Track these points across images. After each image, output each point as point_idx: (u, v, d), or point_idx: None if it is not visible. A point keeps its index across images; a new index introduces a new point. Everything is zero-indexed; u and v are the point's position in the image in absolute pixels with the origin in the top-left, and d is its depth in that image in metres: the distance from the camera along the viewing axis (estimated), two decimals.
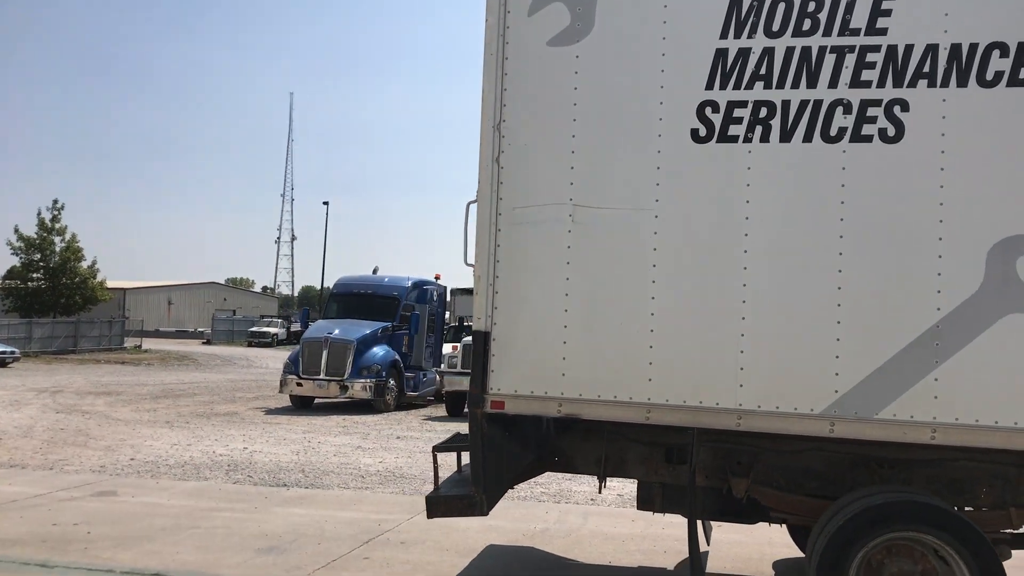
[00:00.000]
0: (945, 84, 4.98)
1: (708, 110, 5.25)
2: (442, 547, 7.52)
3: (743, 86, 5.22)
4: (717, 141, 5.23)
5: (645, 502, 6.19)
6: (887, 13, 5.06)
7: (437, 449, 5.79)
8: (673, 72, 5.31)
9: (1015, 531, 5.57)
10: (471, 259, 5.61)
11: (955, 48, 4.97)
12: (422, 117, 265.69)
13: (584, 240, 5.36)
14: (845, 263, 5.04)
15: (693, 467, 5.38)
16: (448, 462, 6.15)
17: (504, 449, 5.51)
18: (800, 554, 7.29)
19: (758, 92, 5.20)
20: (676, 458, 5.90)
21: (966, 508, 5.54)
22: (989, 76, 4.93)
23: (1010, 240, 4.86)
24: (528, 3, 5.50)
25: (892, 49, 5.04)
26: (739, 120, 5.21)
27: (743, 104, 5.21)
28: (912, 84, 5.01)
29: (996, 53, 4.92)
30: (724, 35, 5.26)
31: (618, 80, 5.38)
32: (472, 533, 7.90)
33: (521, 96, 5.49)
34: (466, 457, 6.26)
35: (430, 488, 5.93)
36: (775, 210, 5.14)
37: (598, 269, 5.34)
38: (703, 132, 5.26)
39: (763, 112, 5.18)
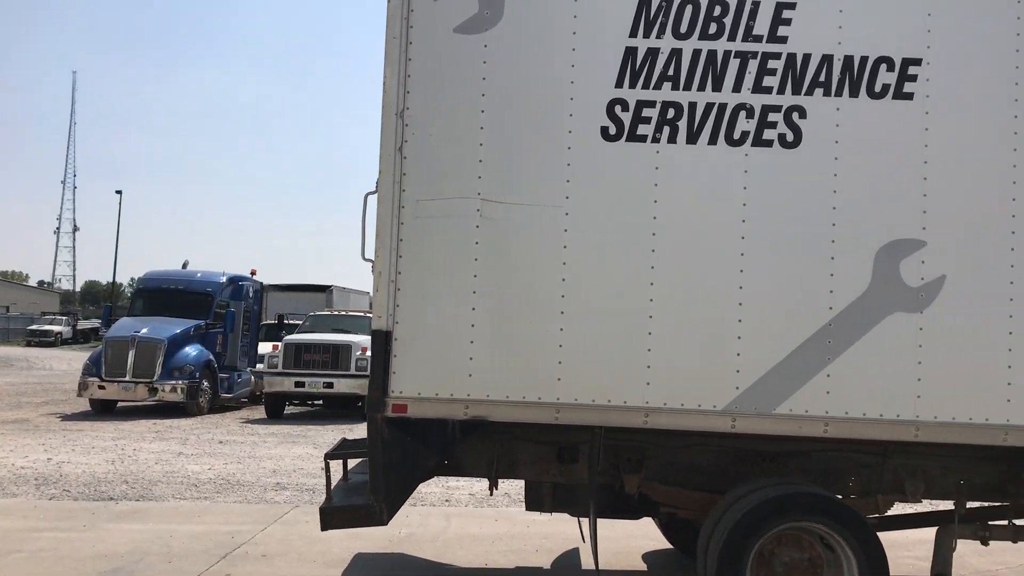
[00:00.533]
0: (839, 94, 5.23)
1: (618, 108, 5.24)
2: (307, 559, 7.09)
3: (652, 86, 5.25)
4: (627, 140, 5.23)
5: (534, 503, 6.11)
6: (787, 22, 5.25)
7: (330, 456, 5.43)
8: (583, 68, 5.26)
9: (881, 516, 5.96)
10: (369, 254, 5.30)
11: (848, 60, 5.23)
12: (231, 101, 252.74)
13: (493, 236, 5.20)
14: (747, 263, 5.18)
15: (598, 466, 5.34)
16: (300, 467, 5.78)
17: (405, 454, 5.24)
18: (666, 546, 7.51)
19: (666, 93, 5.24)
20: (567, 457, 5.86)
21: (836, 496, 5.86)
22: (877, 88, 5.23)
23: (895, 243, 5.18)
24: None
25: (791, 57, 5.24)
26: (648, 120, 5.23)
27: (652, 104, 5.24)
28: (809, 92, 5.23)
29: (883, 67, 5.23)
30: (634, 34, 5.26)
31: (528, 73, 5.26)
32: (336, 542, 7.50)
33: (427, 83, 5.25)
34: (354, 463, 5.94)
35: (278, 496, 5.55)
36: (682, 211, 5.20)
37: (507, 266, 5.20)
38: (613, 130, 5.24)
39: (671, 113, 5.23)
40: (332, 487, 5.39)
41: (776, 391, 5.15)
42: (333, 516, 5.19)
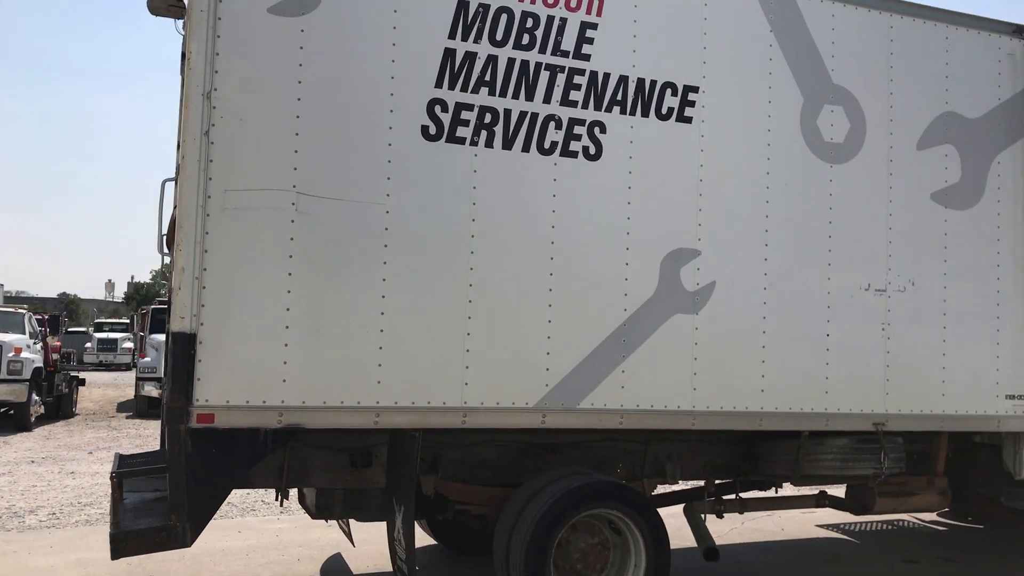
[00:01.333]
0: (633, 113, 5.66)
1: (438, 108, 5.22)
2: None
3: (470, 89, 5.29)
4: (446, 141, 5.23)
5: (323, 509, 5.88)
6: (590, 41, 5.57)
7: (122, 475, 4.76)
8: (404, 65, 5.16)
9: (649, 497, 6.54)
10: (168, 247, 4.76)
11: (640, 82, 5.69)
12: None
13: (309, 232, 4.92)
14: (556, 267, 5.43)
15: (416, 468, 5.28)
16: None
17: (211, 468, 4.77)
18: (430, 542, 7.58)
19: (483, 97, 5.32)
20: (361, 462, 5.72)
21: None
22: (664, 111, 5.74)
23: (676, 252, 5.73)
24: None
25: (594, 75, 5.58)
26: (466, 123, 5.27)
27: (470, 107, 5.28)
28: (608, 109, 5.60)
29: (669, 91, 5.76)
30: (453, 35, 5.27)
31: (348, 64, 5.05)
32: (60, 572, 6.60)
33: (238, 64, 4.82)
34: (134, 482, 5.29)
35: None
36: (499, 214, 5.31)
37: (325, 264, 4.95)
38: (433, 130, 5.20)
39: (488, 118, 5.32)
40: (119, 509, 4.74)
41: (580, 387, 5.46)
42: (128, 542, 4.58)
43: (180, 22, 5.63)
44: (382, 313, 5.05)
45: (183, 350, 4.66)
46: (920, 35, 6.53)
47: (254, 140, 4.84)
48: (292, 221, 4.89)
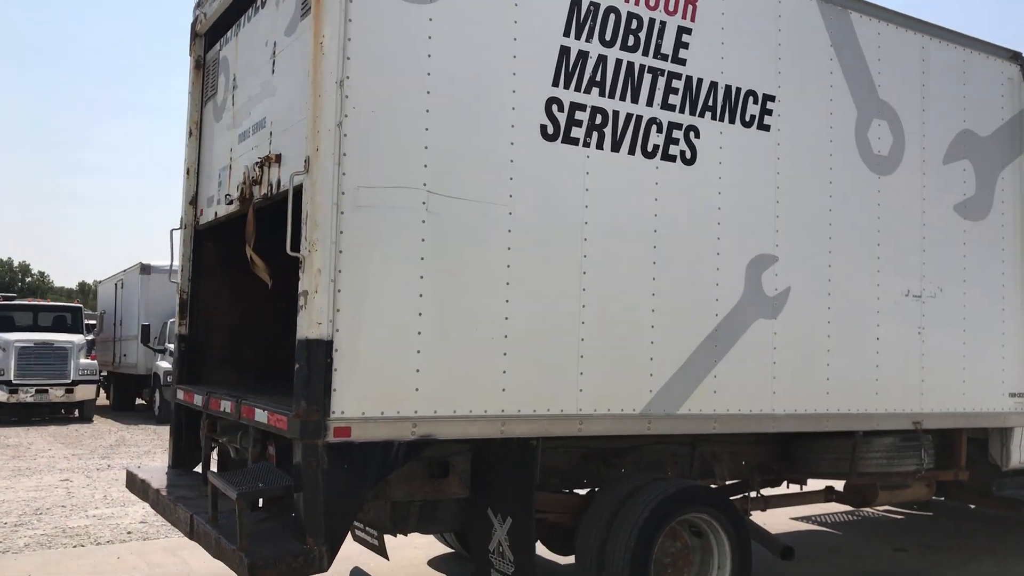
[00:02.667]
0: (722, 119, 5.71)
1: (555, 107, 5.07)
2: None
3: (583, 89, 5.17)
4: (562, 141, 5.09)
5: (399, 522, 5.58)
6: (686, 46, 5.58)
7: (246, 496, 4.31)
8: (524, 61, 4.98)
9: None
10: (298, 246, 4.39)
11: (728, 88, 5.74)
12: None
13: (439, 233, 4.66)
14: (658, 272, 5.40)
15: (536, 477, 5.09)
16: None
17: (345, 487, 4.42)
18: (446, 550, 7.36)
19: (595, 98, 5.21)
20: (439, 472, 5.49)
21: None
22: (747, 118, 5.83)
23: (758, 257, 5.83)
24: None
25: (689, 79, 5.58)
26: (580, 123, 5.15)
27: (583, 108, 5.17)
28: (702, 114, 5.63)
29: (751, 99, 5.85)
30: (567, 33, 5.14)
31: (473, 56, 4.82)
32: None
33: (369, 51, 4.50)
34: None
35: None
36: (608, 218, 5.22)
37: (454, 267, 4.71)
38: (551, 130, 5.05)
39: (599, 119, 5.22)
40: (244, 534, 4.29)
41: (679, 393, 5.45)
42: (266, 570, 4.15)
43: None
44: (506, 318, 4.85)
45: (320, 359, 4.30)
46: (945, 56, 6.94)
47: (386, 134, 4.53)
48: (423, 221, 4.62)
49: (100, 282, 31.24)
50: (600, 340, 5.16)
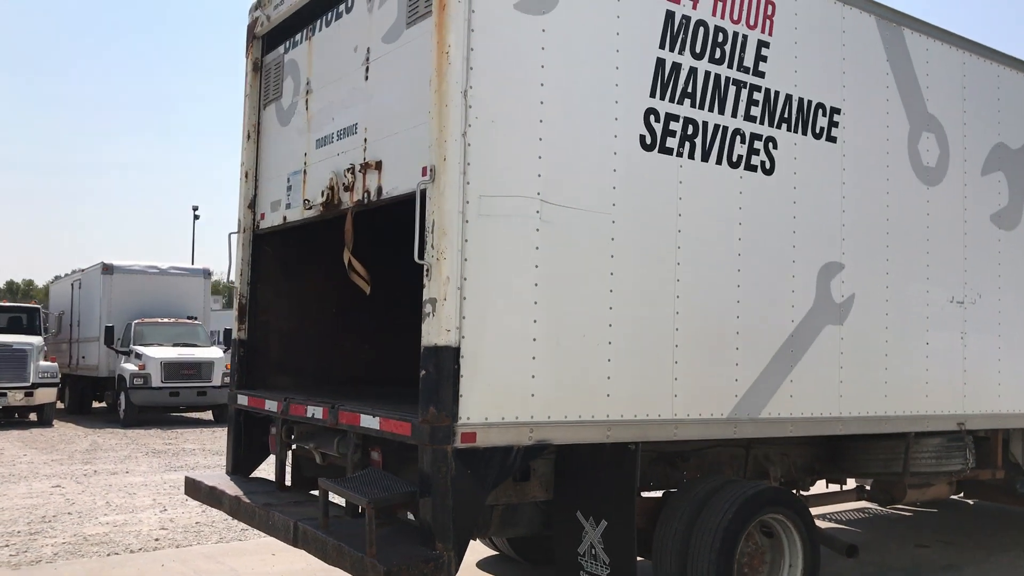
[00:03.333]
0: (795, 130, 5.88)
1: (652, 118, 5.17)
2: None
3: (676, 100, 5.29)
4: (658, 151, 5.19)
5: (481, 527, 5.63)
6: (764, 59, 5.73)
7: (378, 503, 4.31)
8: (626, 72, 5.08)
9: None
10: (424, 254, 4.42)
11: (800, 101, 5.91)
12: None
13: (551, 241, 4.73)
14: (743, 280, 5.54)
15: (637, 481, 5.19)
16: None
17: (470, 493, 4.46)
18: (491, 552, 7.41)
19: (686, 109, 5.33)
20: (520, 476, 5.56)
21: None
22: (817, 129, 6.01)
23: (827, 265, 6.02)
24: None
25: (767, 91, 5.74)
26: (674, 133, 5.27)
27: (676, 118, 5.28)
28: (779, 126, 5.79)
29: (820, 111, 6.03)
30: (663, 45, 5.24)
31: (581, 67, 4.90)
32: None
33: (490, 61, 4.55)
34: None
35: None
36: (697, 227, 5.35)
37: (564, 274, 4.78)
38: (648, 140, 5.16)
39: (690, 129, 5.34)
40: (373, 541, 4.29)
41: (760, 397, 5.61)
42: (400, 573, 4.17)
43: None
44: (610, 325, 4.94)
45: (448, 365, 4.34)
46: (982, 72, 7.22)
47: (504, 144, 4.59)
48: (537, 230, 4.68)
49: (53, 281, 30.55)
50: (692, 346, 5.28)
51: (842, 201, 6.13)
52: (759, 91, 5.69)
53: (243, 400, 6.40)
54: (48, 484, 11.33)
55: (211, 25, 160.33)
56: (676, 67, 5.30)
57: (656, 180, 5.18)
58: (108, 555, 7.68)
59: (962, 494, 9.05)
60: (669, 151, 5.25)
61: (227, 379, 20.73)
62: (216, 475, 6.52)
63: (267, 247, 6.73)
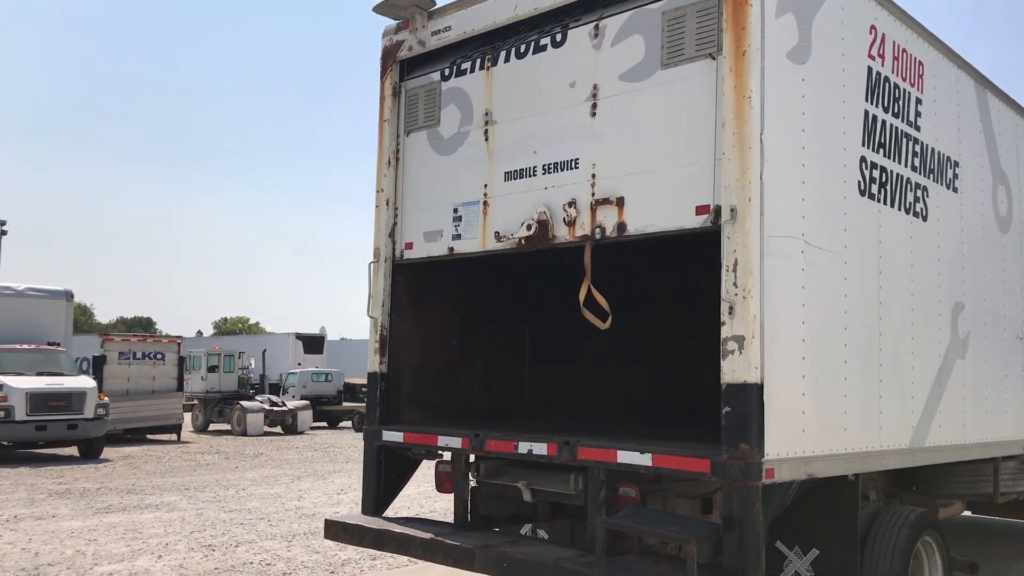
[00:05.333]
0: (937, 180, 6.41)
1: (863, 166, 5.51)
2: None
3: (874, 149, 5.65)
4: (867, 197, 5.53)
5: None
6: (920, 115, 6.22)
7: (702, 541, 4.29)
8: (849, 122, 5.39)
9: None
10: (729, 290, 4.50)
11: (939, 154, 6.45)
12: None
13: (811, 280, 4.95)
14: (915, 317, 5.98)
15: (859, 510, 5.41)
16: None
17: (767, 527, 4.54)
18: None
19: (880, 157, 5.71)
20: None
21: None
22: (947, 180, 6.57)
23: (955, 305, 6.57)
24: (775, 5, 4.79)
25: (922, 144, 6.23)
26: (875, 181, 5.63)
27: (876, 166, 5.65)
28: (928, 176, 6.29)
29: (948, 164, 6.60)
30: (868, 99, 5.60)
31: (823, 115, 5.16)
32: None
33: (774, 106, 4.72)
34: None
35: None
36: (889, 269, 5.73)
37: (819, 312, 5.00)
38: (862, 186, 5.49)
39: (883, 177, 5.72)
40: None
41: (924, 428, 6.03)
42: None
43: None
44: (845, 361, 5.20)
45: (754, 403, 4.44)
46: None
47: (783, 187, 4.76)
48: (802, 270, 4.88)
49: None
50: (890, 380, 5.63)
51: (960, 246, 6.72)
52: (917, 143, 6.17)
53: (394, 436, 6.14)
54: None
55: None
56: (875, 119, 5.67)
57: (867, 223, 5.51)
58: None
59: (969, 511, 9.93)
60: (873, 197, 5.60)
61: (100, 411, 19.48)
62: (364, 517, 6.17)
63: (398, 277, 6.51)
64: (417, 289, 6.62)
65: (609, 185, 5.23)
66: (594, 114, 5.35)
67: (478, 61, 6.05)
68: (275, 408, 31.53)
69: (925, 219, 6.21)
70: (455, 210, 6.08)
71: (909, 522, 5.89)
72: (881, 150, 5.71)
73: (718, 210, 4.66)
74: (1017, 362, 7.56)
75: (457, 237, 6.04)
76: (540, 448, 5.26)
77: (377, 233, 6.49)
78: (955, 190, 6.67)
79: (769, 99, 4.69)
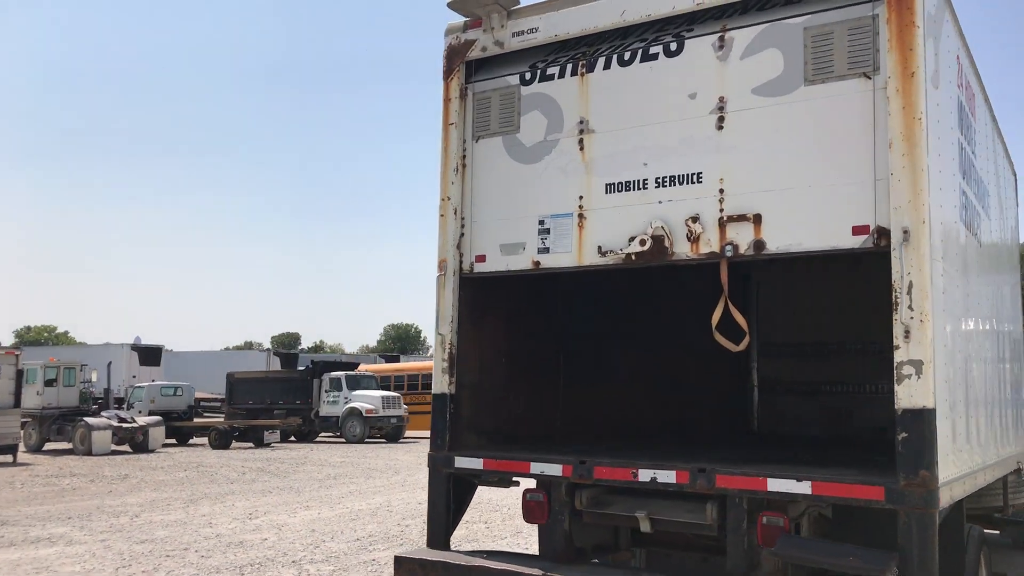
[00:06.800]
0: (983, 207, 6.66)
1: (960, 194, 5.62)
2: None
3: (963, 176, 5.77)
4: (963, 223, 5.65)
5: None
6: (975, 143, 6.44)
7: (886, 571, 4.14)
8: (954, 150, 5.47)
9: None
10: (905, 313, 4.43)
11: (983, 181, 6.72)
12: None
13: (948, 301, 4.97)
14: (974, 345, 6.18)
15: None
16: None
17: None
18: None
19: (966, 185, 5.85)
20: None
21: None
22: (985, 205, 6.85)
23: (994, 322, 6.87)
24: (923, 29, 4.77)
25: (978, 171, 6.45)
26: (966, 209, 5.76)
27: (965, 194, 5.78)
28: (980, 202, 6.52)
29: (987, 194, 6.89)
30: (960, 129, 5.72)
31: (942, 141, 5.17)
32: None
33: (929, 128, 4.71)
34: None
35: None
36: (976, 293, 5.92)
37: (952, 334, 5.04)
38: (964, 214, 5.62)
39: (966, 202, 5.86)
40: None
41: (989, 445, 6.23)
42: None
43: None
44: (968, 387, 5.30)
45: (930, 428, 4.39)
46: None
47: (936, 210, 4.76)
48: (943, 292, 4.88)
49: None
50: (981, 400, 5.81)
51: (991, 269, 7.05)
52: (975, 170, 6.39)
53: (470, 463, 5.69)
54: None
55: None
56: (962, 147, 5.80)
57: (965, 249, 5.63)
58: None
59: None
60: (966, 223, 5.73)
61: None
62: (445, 553, 5.63)
63: (461, 291, 6.07)
64: (478, 304, 6.19)
65: (741, 201, 5.05)
66: (721, 127, 5.16)
67: (569, 67, 5.72)
68: (124, 425, 29.35)
69: (980, 245, 6.43)
70: (541, 222, 5.71)
71: (974, 539, 6.06)
72: (965, 177, 5.85)
73: (880, 231, 4.58)
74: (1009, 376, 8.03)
75: (544, 251, 5.68)
76: (667, 476, 4.99)
77: (443, 244, 6.02)
78: (988, 217, 6.97)
79: (930, 120, 4.68)
